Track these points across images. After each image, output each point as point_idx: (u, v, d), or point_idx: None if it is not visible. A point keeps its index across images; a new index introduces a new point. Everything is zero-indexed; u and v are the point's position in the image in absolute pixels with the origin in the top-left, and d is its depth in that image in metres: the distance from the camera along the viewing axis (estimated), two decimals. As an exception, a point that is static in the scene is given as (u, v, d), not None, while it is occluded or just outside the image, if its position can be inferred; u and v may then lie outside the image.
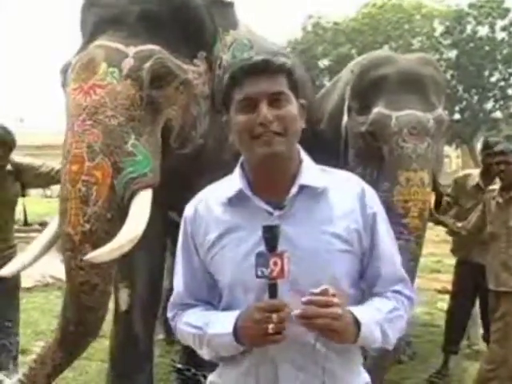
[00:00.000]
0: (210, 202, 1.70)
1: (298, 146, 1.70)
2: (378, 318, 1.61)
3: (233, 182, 1.67)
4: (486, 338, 4.49)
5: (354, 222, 1.63)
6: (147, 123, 2.85)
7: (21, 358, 4.98)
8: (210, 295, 1.71)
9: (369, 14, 28.56)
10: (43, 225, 17.17)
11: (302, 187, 1.63)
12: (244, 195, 1.64)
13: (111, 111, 2.74)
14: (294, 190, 1.62)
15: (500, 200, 3.92)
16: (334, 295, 1.51)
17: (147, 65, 2.83)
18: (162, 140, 2.95)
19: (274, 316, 1.46)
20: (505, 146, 3.94)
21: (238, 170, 1.69)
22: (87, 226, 2.63)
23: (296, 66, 1.74)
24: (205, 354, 1.68)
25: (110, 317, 6.36)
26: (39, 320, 6.26)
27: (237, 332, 1.54)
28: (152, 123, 2.88)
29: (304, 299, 1.48)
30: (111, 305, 3.90)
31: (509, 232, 3.85)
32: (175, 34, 2.99)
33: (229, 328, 1.55)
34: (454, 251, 4.94)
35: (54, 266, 9.97)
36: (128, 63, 2.83)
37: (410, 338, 5.07)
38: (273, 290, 1.50)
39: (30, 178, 4.08)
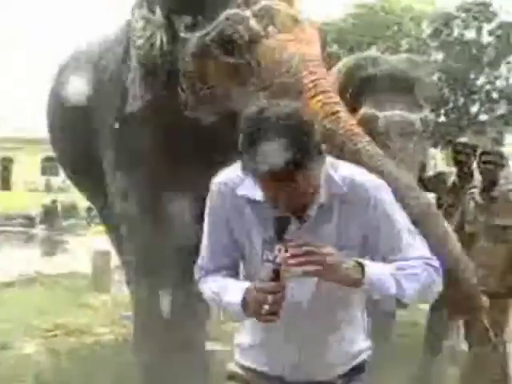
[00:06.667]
0: (236, 192, 1.78)
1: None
2: (389, 268, 1.68)
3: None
4: (469, 339, 4.51)
5: (366, 229, 1.75)
6: None
7: (2, 352, 4.97)
8: (231, 263, 1.87)
9: (358, 15, 28.65)
10: (28, 218, 17.12)
11: (321, 205, 1.72)
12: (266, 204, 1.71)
13: None
14: (313, 210, 1.71)
15: (480, 200, 3.95)
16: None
17: None
18: None
19: (270, 298, 1.57)
20: (491, 146, 3.99)
21: None
22: None
23: None
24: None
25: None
26: (21, 315, 6.22)
27: (244, 303, 1.68)
28: None
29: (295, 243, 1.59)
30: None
31: (488, 232, 3.88)
32: None
33: (238, 298, 1.69)
34: None
35: (38, 261, 9.94)
36: None
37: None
38: (275, 274, 1.58)
39: None
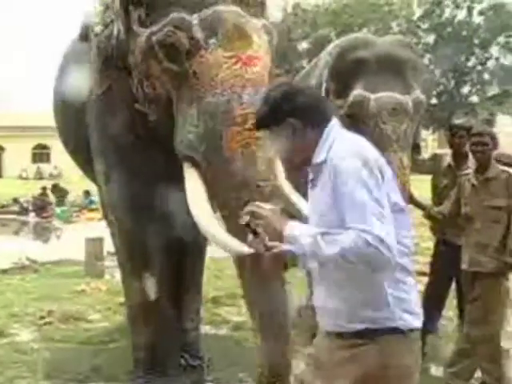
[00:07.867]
0: None
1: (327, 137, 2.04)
2: (310, 231, 1.95)
3: None
4: (462, 318, 4.54)
5: (329, 197, 1.98)
6: None
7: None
8: None
9: (348, -3, 28.50)
10: (19, 206, 17.01)
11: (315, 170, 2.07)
12: None
13: None
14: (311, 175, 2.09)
15: (475, 182, 3.96)
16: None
17: None
18: None
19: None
20: (483, 127, 3.97)
21: None
22: None
23: None
24: None
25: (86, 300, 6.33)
26: (15, 302, 6.22)
27: None
28: None
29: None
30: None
31: (484, 213, 3.89)
32: None
33: None
34: (433, 230, 4.98)
35: (31, 248, 9.91)
36: None
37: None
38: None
39: None
